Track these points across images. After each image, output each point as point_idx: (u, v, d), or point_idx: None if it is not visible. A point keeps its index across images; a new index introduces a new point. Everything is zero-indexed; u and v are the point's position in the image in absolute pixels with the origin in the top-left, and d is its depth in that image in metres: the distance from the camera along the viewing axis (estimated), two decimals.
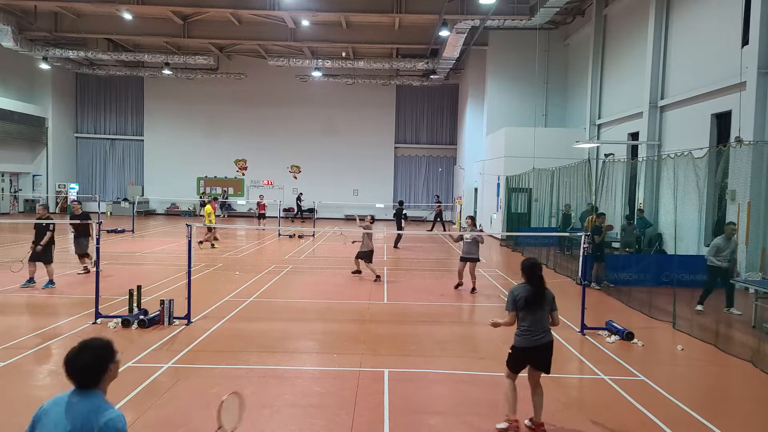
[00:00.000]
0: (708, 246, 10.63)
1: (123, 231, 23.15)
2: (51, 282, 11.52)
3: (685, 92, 15.79)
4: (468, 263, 12.25)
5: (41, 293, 10.97)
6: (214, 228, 18.51)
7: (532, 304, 5.22)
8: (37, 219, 11.71)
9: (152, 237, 22.29)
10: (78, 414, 2.60)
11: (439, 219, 27.97)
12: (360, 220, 14.62)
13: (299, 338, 8.43)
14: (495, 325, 5.49)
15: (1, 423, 5.30)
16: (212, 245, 18.68)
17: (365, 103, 34.55)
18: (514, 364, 5.38)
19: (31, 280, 11.48)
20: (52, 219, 11.88)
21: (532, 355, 5.30)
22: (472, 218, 13.52)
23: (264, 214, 25.12)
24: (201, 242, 18.45)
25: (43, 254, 11.45)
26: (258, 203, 25.48)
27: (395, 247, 20.29)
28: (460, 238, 12.49)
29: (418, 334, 8.78)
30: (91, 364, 2.67)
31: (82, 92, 35.49)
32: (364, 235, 13.41)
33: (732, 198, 12.90)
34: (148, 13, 24.52)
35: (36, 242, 11.53)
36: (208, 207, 18.76)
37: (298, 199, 33.65)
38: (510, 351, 5.38)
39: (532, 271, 5.31)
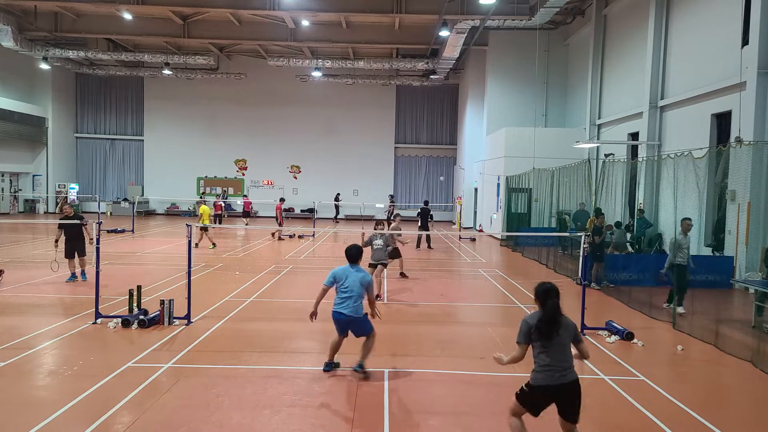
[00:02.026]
0: (676, 245, 10.52)
1: (123, 231, 23.15)
2: (84, 274, 12.21)
3: (685, 92, 15.79)
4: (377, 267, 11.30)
5: (42, 293, 10.98)
6: (207, 229, 18.72)
7: (547, 335, 4.53)
8: (63, 218, 12.13)
9: (152, 237, 22.29)
10: (358, 272, 6.82)
11: (392, 218, 27.81)
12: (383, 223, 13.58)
13: (299, 338, 8.43)
14: (499, 362, 4.78)
15: (1, 423, 5.29)
16: (213, 244, 18.70)
17: (365, 103, 34.55)
18: (532, 404, 4.62)
19: (73, 276, 12.11)
20: (83, 216, 12.36)
21: (553, 396, 4.55)
22: (386, 222, 13.14)
23: (248, 212, 27.43)
24: (197, 245, 18.63)
25: (78, 248, 12.05)
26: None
27: (430, 248, 20.30)
28: (368, 243, 11.26)
29: (418, 334, 8.79)
30: (356, 252, 6.93)
31: (82, 92, 35.50)
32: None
33: (732, 198, 12.89)
34: (148, 13, 24.53)
35: (72, 239, 11.99)
36: (205, 207, 18.91)
37: (336, 199, 33.40)
38: (524, 388, 4.63)
39: (546, 297, 4.60)
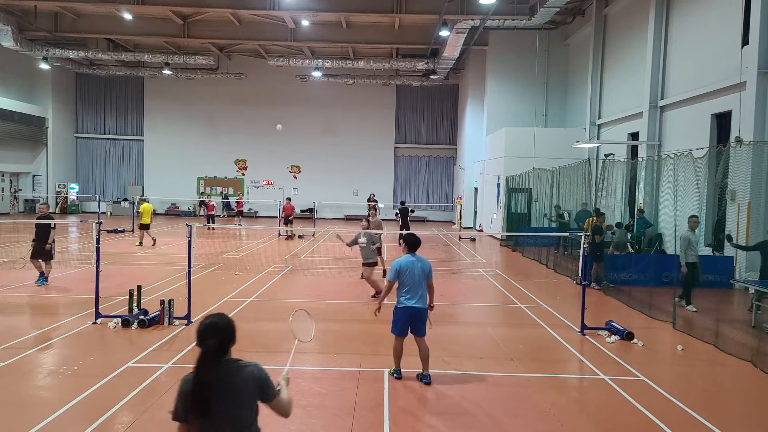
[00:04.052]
0: (686, 241, 10.67)
1: (123, 231, 23.15)
2: (45, 279, 11.79)
3: (685, 92, 15.79)
4: (368, 268, 11.13)
5: (42, 292, 10.98)
6: (145, 230, 18.99)
7: (198, 410, 2.74)
8: (38, 217, 11.93)
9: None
10: (421, 260, 6.56)
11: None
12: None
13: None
14: None
15: (1, 423, 5.29)
16: (144, 242, 18.97)
17: (365, 103, 34.55)
18: None
19: (41, 275, 11.79)
20: (53, 218, 12.06)
21: None
22: (368, 219, 12.39)
23: (213, 215, 28.18)
24: (141, 242, 18.92)
25: (45, 251, 11.65)
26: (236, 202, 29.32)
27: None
28: (354, 242, 11.14)
29: None
30: (416, 241, 6.69)
31: (82, 92, 35.49)
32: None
33: (732, 198, 12.90)
34: (148, 13, 24.52)
35: (38, 240, 11.69)
36: (147, 205, 19.06)
37: (370, 200, 33.02)
38: None
39: (200, 339, 2.81)
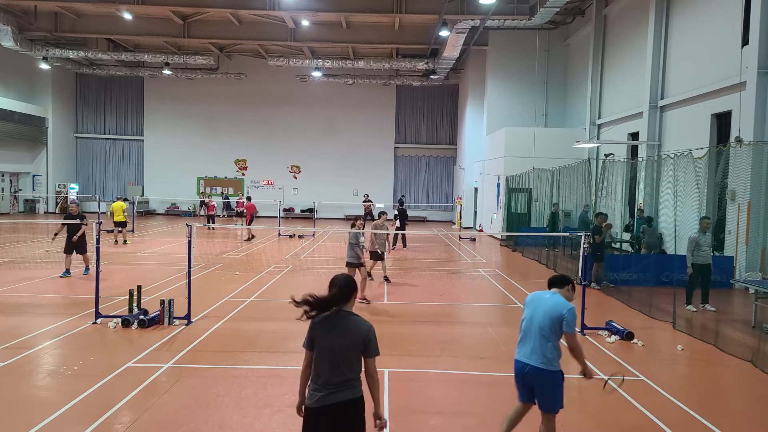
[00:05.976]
0: (694, 243, 10.69)
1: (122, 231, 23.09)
2: (88, 269, 12.85)
3: (685, 92, 15.80)
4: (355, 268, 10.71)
5: (42, 292, 10.98)
6: (120, 229, 19.10)
7: (324, 339, 3.59)
8: (66, 216, 12.78)
9: (152, 237, 22.28)
10: (555, 300, 4.56)
11: (369, 218, 26.61)
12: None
13: (299, 338, 8.34)
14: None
15: (1, 423, 5.29)
16: (119, 241, 19.10)
17: (365, 103, 34.54)
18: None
19: (67, 272, 12.51)
20: (85, 216, 12.90)
21: (324, 423, 3.52)
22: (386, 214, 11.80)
23: (242, 212, 27.34)
24: (117, 241, 19.03)
25: (78, 246, 12.56)
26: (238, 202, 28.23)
27: (405, 246, 20.44)
28: (358, 243, 10.72)
29: (418, 334, 8.78)
30: (561, 279, 4.74)
31: (82, 92, 35.49)
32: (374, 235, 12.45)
33: (732, 198, 12.90)
34: (148, 13, 24.53)
35: (69, 236, 12.56)
36: (119, 203, 19.08)
37: (400, 203, 32.36)
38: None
39: (330, 285, 3.74)
